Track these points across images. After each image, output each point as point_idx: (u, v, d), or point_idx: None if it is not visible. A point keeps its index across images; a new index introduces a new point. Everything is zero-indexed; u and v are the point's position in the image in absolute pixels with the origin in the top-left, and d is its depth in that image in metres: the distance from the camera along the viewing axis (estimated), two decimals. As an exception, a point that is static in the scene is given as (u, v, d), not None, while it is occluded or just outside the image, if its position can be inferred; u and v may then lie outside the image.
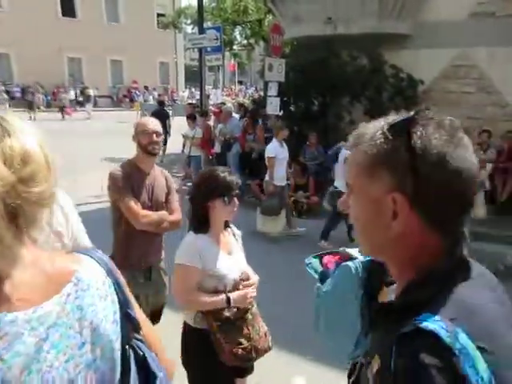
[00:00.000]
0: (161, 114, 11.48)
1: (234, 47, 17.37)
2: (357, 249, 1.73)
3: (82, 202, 7.42)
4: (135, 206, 2.49)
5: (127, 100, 29.27)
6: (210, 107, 11.30)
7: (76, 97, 26.71)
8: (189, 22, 17.02)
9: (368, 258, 1.56)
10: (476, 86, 8.03)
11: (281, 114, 8.68)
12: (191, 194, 2.15)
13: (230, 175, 2.07)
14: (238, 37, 17.04)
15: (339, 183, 5.68)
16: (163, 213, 2.64)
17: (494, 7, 7.57)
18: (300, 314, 4.06)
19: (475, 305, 0.70)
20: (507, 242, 5.67)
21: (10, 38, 23.99)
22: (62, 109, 22.30)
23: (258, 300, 2.25)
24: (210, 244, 2.07)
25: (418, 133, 0.72)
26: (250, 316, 2.08)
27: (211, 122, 10.32)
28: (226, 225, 2.21)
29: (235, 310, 2.03)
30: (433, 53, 8.09)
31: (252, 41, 16.13)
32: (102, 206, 7.43)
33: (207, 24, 13.48)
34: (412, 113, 0.77)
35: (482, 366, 0.62)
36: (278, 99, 7.89)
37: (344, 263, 1.66)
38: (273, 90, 7.89)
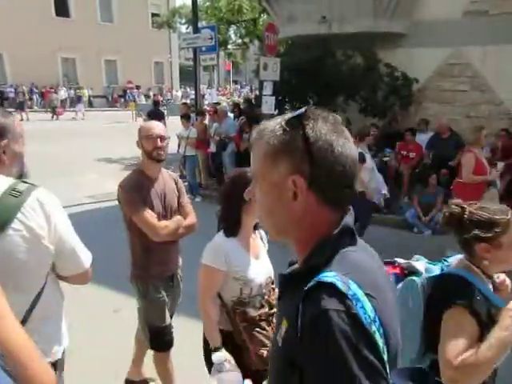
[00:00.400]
0: (156, 114, 11.48)
1: (229, 46, 17.33)
2: (421, 262, 1.71)
3: (79, 202, 7.41)
4: (151, 218, 2.36)
5: (122, 100, 29.17)
6: (205, 107, 11.28)
7: (69, 96, 26.56)
8: (183, 21, 16.97)
9: (434, 274, 1.58)
10: (470, 85, 8.08)
11: (276, 113, 8.69)
12: (224, 196, 2.06)
13: None
14: (233, 36, 17.02)
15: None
16: (178, 218, 2.54)
17: (486, 6, 7.62)
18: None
19: (361, 263, 0.86)
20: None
21: (2, 37, 23.85)
22: (53, 109, 22.15)
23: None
24: (238, 247, 2.01)
25: (310, 125, 0.86)
26: (274, 319, 2.00)
27: (206, 122, 10.32)
28: (255, 227, 2.14)
29: (262, 310, 1.99)
30: (427, 51, 8.12)
31: (247, 40, 16.11)
32: (99, 206, 7.43)
33: (202, 23, 13.44)
34: (303, 110, 0.89)
35: (368, 307, 0.77)
36: (273, 98, 7.90)
37: (410, 278, 1.62)
38: (268, 89, 7.89)
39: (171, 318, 2.68)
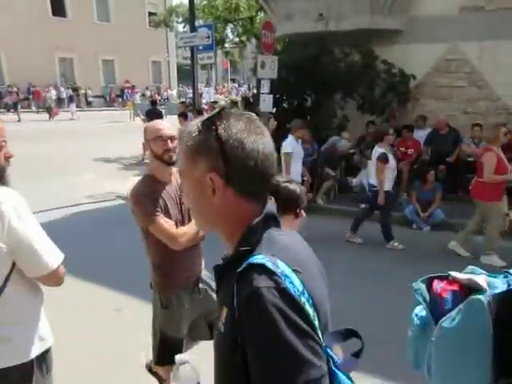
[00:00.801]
0: (154, 114, 11.48)
1: (226, 45, 17.32)
2: (481, 275, 1.51)
3: (77, 202, 7.41)
4: (169, 227, 2.20)
5: (120, 100, 29.14)
6: (203, 105, 11.28)
7: (67, 96, 26.50)
8: (180, 20, 16.93)
9: (501, 291, 1.43)
10: (467, 80, 8.09)
11: (274, 111, 8.70)
12: None
13: (292, 184, 1.85)
14: (230, 34, 17.01)
15: (375, 181, 5.66)
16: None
17: (482, 1, 7.62)
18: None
19: (286, 243, 0.96)
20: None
21: (-1, 38, 23.81)
22: (48, 109, 22.03)
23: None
24: None
25: (222, 125, 0.92)
26: None
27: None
28: None
29: None
30: (424, 48, 8.13)
31: (244, 38, 16.10)
32: (97, 206, 7.44)
33: (199, 22, 13.42)
34: (217, 110, 0.96)
35: (297, 282, 0.86)
36: (271, 96, 7.90)
37: (476, 297, 1.42)
38: (265, 88, 7.89)
39: (211, 328, 2.51)
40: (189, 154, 0.96)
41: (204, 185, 0.94)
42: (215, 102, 11.37)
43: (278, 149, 8.02)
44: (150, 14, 30.24)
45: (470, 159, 7.42)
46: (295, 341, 0.80)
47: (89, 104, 28.46)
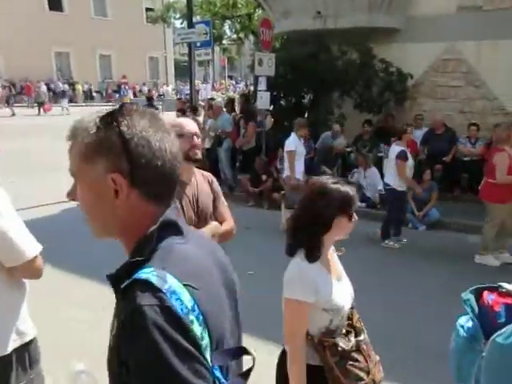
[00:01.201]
0: (150, 110, 11.45)
1: (224, 42, 17.28)
2: None
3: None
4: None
5: (117, 96, 29.00)
6: (200, 102, 11.24)
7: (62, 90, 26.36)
8: (178, 16, 16.88)
9: None
10: (464, 80, 8.10)
11: (271, 108, 8.68)
12: (303, 217, 1.73)
13: (343, 185, 1.72)
14: (228, 31, 16.96)
15: (390, 180, 5.59)
16: (215, 225, 2.27)
17: (481, 1, 7.62)
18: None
19: (185, 254, 0.89)
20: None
21: (-5, 32, 23.63)
22: (40, 104, 21.86)
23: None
24: (322, 271, 1.72)
25: (125, 122, 0.85)
26: (364, 346, 1.77)
27: (201, 118, 10.27)
28: None
29: (351, 337, 1.75)
30: (422, 47, 8.12)
31: (242, 35, 16.05)
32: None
33: (196, 18, 13.37)
34: (118, 106, 0.89)
35: (186, 298, 0.80)
36: (269, 94, 7.88)
37: None
38: (262, 85, 7.87)
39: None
40: (85, 153, 0.86)
41: (103, 187, 0.86)
42: (212, 99, 11.31)
43: (276, 145, 8.04)
44: (148, 9, 30.12)
45: (466, 159, 7.44)
46: (177, 363, 0.75)
47: (92, 99, 28.28)
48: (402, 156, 5.44)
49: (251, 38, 15.65)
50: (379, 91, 8.22)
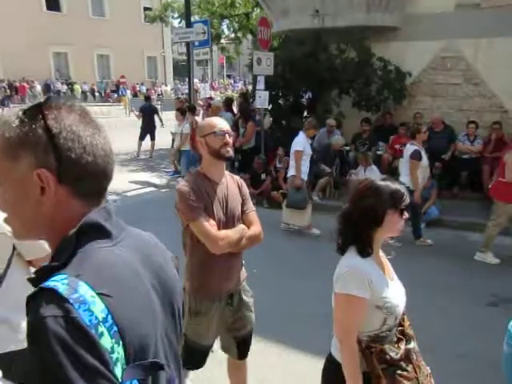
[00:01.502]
0: (149, 109, 11.43)
1: (222, 41, 17.24)
2: None
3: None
4: (210, 227, 2.10)
5: (115, 95, 28.98)
6: (199, 101, 11.22)
7: (60, 90, 26.32)
8: (176, 15, 16.84)
9: None
10: (463, 78, 8.11)
11: (270, 107, 8.68)
12: (355, 212, 1.72)
13: (392, 182, 1.73)
14: (226, 30, 16.93)
15: (405, 179, 5.45)
16: (241, 228, 2.24)
17: (479, -1, 7.64)
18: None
19: (104, 260, 0.82)
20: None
21: (-7, 32, 23.58)
22: None
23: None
24: (375, 268, 1.70)
25: (53, 115, 0.81)
26: (414, 356, 1.69)
27: (200, 117, 10.27)
28: None
29: (401, 345, 1.68)
30: (420, 45, 8.13)
31: (240, 34, 16.03)
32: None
33: (194, 18, 13.36)
34: (43, 99, 0.84)
35: (98, 308, 0.75)
36: (267, 93, 7.87)
37: None
38: (261, 84, 7.87)
39: (250, 336, 2.43)
40: (7, 149, 0.81)
41: (28, 184, 0.81)
42: (211, 98, 11.30)
43: (275, 145, 8.04)
44: (146, 8, 30.02)
45: (465, 156, 7.45)
46: (76, 377, 0.70)
47: (84, 99, 28.25)
48: (415, 156, 5.36)
49: (249, 37, 15.62)
50: (378, 89, 8.22)
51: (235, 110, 10.37)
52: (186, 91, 27.31)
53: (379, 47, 8.34)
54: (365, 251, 1.68)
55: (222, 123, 2.21)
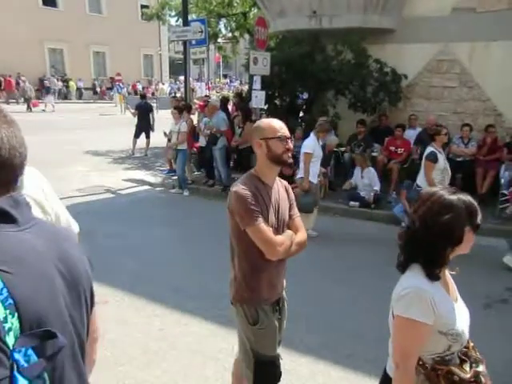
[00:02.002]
0: (144, 108, 11.39)
1: (219, 40, 17.22)
2: None
3: (64, 195, 7.32)
4: (270, 233, 2.03)
5: (111, 93, 28.83)
6: (195, 100, 11.21)
7: (56, 87, 26.08)
8: (173, 13, 16.78)
9: None
10: (458, 81, 8.16)
11: (266, 107, 8.69)
12: (422, 231, 1.56)
13: (463, 195, 1.57)
14: (223, 29, 16.91)
15: (421, 181, 5.37)
16: (291, 233, 2.17)
17: (474, 3, 7.69)
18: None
19: (7, 241, 0.90)
20: (483, 234, 5.76)
21: (-12, 28, 23.38)
22: (27, 100, 21.49)
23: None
24: (440, 289, 1.57)
25: None
26: (483, 379, 1.57)
27: (195, 116, 10.26)
28: None
29: (468, 369, 1.56)
30: (416, 47, 8.18)
31: (237, 34, 16.02)
32: (84, 199, 7.37)
33: (191, 16, 13.32)
34: None
35: None
36: (264, 93, 7.88)
37: None
38: (257, 84, 7.87)
39: (279, 345, 2.33)
40: None
41: None
42: (207, 97, 11.29)
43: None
44: (143, 6, 29.92)
45: (459, 159, 7.50)
46: None
47: (80, 96, 28.07)
48: (430, 158, 5.22)
49: (246, 36, 15.62)
50: (373, 91, 8.26)
51: (230, 109, 10.36)
52: (178, 90, 27.20)
53: (376, 49, 8.38)
54: (434, 275, 1.54)
55: (284, 127, 2.13)
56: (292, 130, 8.29)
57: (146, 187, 8.50)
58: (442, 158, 5.30)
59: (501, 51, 7.60)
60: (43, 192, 1.58)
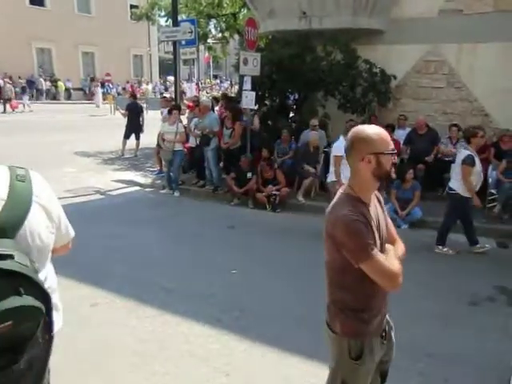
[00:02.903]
0: (135, 108, 11.32)
1: (209, 40, 17.19)
2: None
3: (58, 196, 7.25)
4: (387, 263, 1.77)
5: (99, 94, 28.59)
6: (185, 101, 11.17)
7: (43, 88, 25.76)
8: (163, 14, 16.71)
9: None
10: (446, 81, 8.25)
11: (256, 107, 8.68)
12: None
13: None
14: (213, 30, 16.88)
15: (455, 184, 5.30)
16: (391, 249, 1.93)
17: (461, 5, 7.79)
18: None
19: None
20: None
21: (-26, 27, 23.05)
22: (6, 101, 21.09)
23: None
24: None
25: None
26: None
27: (185, 116, 10.21)
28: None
29: None
30: (405, 48, 8.26)
31: (227, 34, 16.01)
32: (74, 200, 7.29)
33: (181, 16, 13.28)
34: None
35: None
36: (254, 93, 7.87)
37: None
38: (248, 84, 7.87)
39: (382, 375, 2.11)
40: None
41: None
42: (196, 97, 11.26)
43: (262, 144, 8.05)
44: (132, 6, 29.76)
45: (447, 159, 7.58)
46: None
47: (68, 97, 27.80)
48: (467, 161, 5.08)
49: (236, 37, 15.61)
50: (363, 92, 8.31)
51: (218, 110, 10.31)
52: (166, 90, 26.96)
53: (365, 50, 8.43)
54: None
55: (391, 141, 1.87)
56: (280, 130, 8.34)
57: (136, 188, 8.46)
58: (477, 160, 5.21)
59: (487, 53, 7.70)
60: (49, 197, 1.57)
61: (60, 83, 27.70)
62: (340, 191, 1.92)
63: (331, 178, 5.78)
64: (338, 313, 1.92)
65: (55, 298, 1.62)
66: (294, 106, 9.40)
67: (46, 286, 1.52)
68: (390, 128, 7.97)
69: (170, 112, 8.36)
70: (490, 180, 6.95)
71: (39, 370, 1.46)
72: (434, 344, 3.40)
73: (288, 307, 3.95)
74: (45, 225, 1.49)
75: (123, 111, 11.51)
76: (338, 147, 5.55)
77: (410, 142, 7.87)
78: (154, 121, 11.76)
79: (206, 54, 20.27)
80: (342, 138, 5.68)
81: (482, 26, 7.56)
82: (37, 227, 1.45)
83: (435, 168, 7.55)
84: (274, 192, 7.23)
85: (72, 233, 1.75)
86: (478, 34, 7.62)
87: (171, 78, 33.25)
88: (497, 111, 7.82)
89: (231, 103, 9.31)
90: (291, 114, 9.50)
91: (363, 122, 8.73)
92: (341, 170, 5.46)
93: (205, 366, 3.06)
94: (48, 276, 1.60)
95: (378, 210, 1.92)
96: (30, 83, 25.44)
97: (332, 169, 5.71)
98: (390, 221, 2.03)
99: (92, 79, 29.00)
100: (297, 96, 9.17)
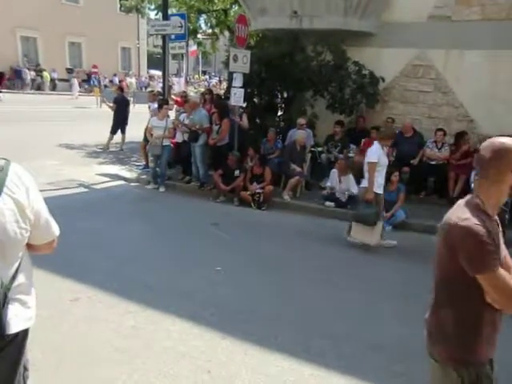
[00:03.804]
0: (123, 102, 11.18)
1: (199, 36, 17.09)
2: None
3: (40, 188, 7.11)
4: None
5: (86, 86, 28.18)
6: (172, 96, 11.07)
7: (28, 77, 25.22)
8: (153, 7, 16.54)
9: None
10: (433, 86, 8.36)
11: (245, 105, 8.65)
12: None
13: None
14: (203, 25, 16.78)
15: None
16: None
17: (450, 12, 7.90)
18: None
19: None
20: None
21: (-43, 12, 22.43)
22: None
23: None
24: None
25: None
26: None
27: (173, 112, 10.12)
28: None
29: None
30: (394, 52, 8.33)
31: (217, 30, 15.94)
32: (57, 193, 7.17)
33: (172, 10, 13.16)
34: None
35: None
36: (242, 90, 7.85)
37: None
38: (238, 81, 7.83)
39: None
40: None
41: None
42: (184, 92, 11.17)
43: (249, 141, 8.03)
44: (121, -2, 29.39)
45: (432, 162, 7.69)
46: None
47: (54, 88, 27.29)
48: None
49: (227, 33, 15.55)
50: (351, 93, 8.36)
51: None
52: (149, 85, 26.63)
53: (354, 51, 8.48)
54: None
55: None
56: (267, 130, 8.34)
57: (121, 182, 8.35)
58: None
59: (473, 59, 7.83)
60: (27, 192, 1.53)
61: (45, 73, 27.17)
62: (464, 201, 1.76)
63: (364, 183, 5.60)
64: (442, 336, 1.77)
65: (23, 295, 1.59)
66: (283, 105, 9.40)
67: (16, 283, 1.52)
68: (376, 130, 8.03)
69: (160, 107, 8.28)
70: (473, 185, 7.06)
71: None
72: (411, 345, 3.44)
73: (271, 305, 3.96)
74: (13, 219, 1.45)
75: (111, 104, 11.36)
76: (373, 154, 5.36)
77: (395, 144, 7.94)
78: (140, 115, 11.64)
79: (194, 47, 20.03)
80: (376, 143, 5.46)
81: (470, 33, 7.68)
82: (2, 217, 1.42)
83: (420, 171, 7.65)
84: (257, 190, 7.22)
85: (56, 231, 1.71)
86: (466, 41, 7.74)
87: (155, 73, 32.99)
88: (481, 117, 7.96)
89: (219, 99, 9.26)
90: (279, 113, 9.50)
91: (350, 123, 8.82)
92: (375, 178, 5.33)
93: (187, 363, 3.05)
94: (19, 273, 1.56)
95: (498, 228, 1.76)
96: (16, 72, 24.87)
97: (366, 175, 5.50)
98: (504, 246, 1.79)
99: (70, 70, 28.31)
100: (285, 95, 9.17)
